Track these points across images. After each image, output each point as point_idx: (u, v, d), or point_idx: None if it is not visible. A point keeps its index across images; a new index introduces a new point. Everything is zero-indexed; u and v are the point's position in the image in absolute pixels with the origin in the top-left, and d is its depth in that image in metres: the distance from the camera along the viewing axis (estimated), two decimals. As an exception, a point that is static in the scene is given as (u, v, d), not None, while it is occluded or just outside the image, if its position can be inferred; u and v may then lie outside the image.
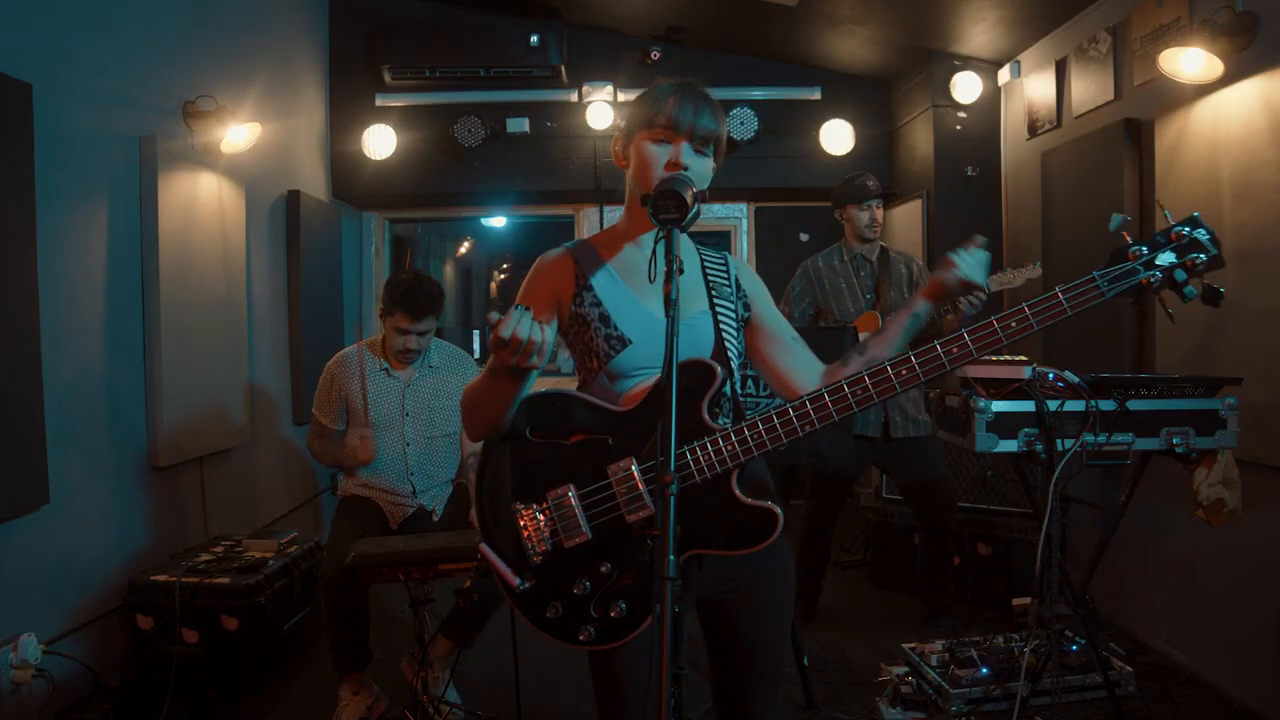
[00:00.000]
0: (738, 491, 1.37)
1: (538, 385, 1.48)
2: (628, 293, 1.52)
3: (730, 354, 1.51)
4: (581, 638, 1.41)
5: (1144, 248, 1.32)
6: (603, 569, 1.41)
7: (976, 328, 1.32)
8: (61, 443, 2.63)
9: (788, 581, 1.57)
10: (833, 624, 3.56)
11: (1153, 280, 1.32)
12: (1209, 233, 1.32)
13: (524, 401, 1.45)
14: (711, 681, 1.60)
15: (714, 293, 1.55)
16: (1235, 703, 2.78)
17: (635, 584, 1.39)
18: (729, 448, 1.35)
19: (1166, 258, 1.32)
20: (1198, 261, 1.32)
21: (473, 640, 2.81)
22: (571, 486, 1.42)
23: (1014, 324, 1.30)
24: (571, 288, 1.53)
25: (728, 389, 1.49)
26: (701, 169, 1.47)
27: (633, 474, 1.39)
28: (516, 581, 1.44)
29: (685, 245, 1.60)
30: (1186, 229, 1.32)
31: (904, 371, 1.33)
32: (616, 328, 1.48)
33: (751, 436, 1.35)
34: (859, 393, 1.33)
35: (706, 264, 1.59)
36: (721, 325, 1.52)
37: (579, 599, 1.41)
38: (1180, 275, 1.32)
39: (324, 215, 4.71)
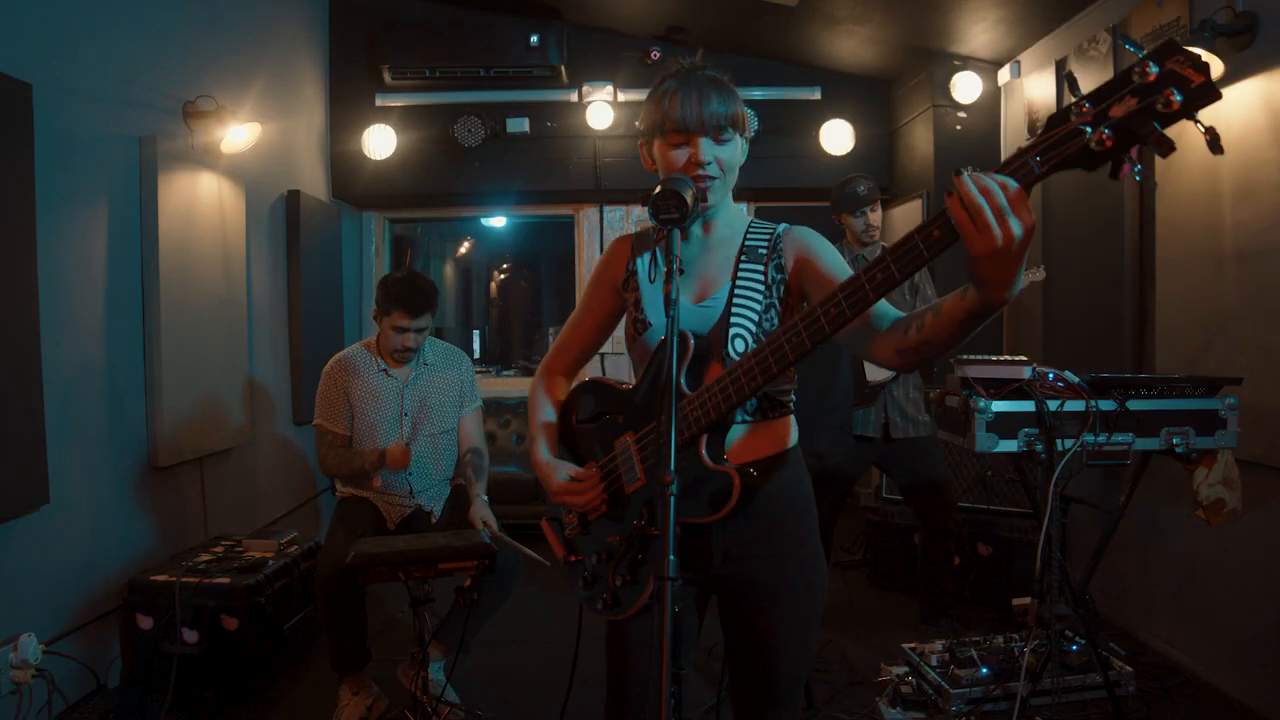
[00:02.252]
0: (705, 455, 1.37)
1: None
2: (660, 279, 1.55)
3: (743, 330, 1.44)
4: (599, 607, 1.50)
5: (1088, 102, 0.96)
6: (612, 540, 1.49)
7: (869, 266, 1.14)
8: (61, 443, 2.63)
9: (817, 587, 1.53)
10: (833, 624, 3.55)
11: (1101, 141, 0.95)
12: (1190, 58, 0.90)
13: (569, 395, 1.65)
14: (730, 679, 1.60)
15: (742, 268, 1.48)
16: (1235, 703, 2.78)
17: (638, 556, 1.45)
18: (693, 413, 1.35)
19: (1125, 105, 0.93)
20: (1170, 102, 0.90)
21: (467, 645, 2.80)
22: (594, 465, 1.54)
23: (933, 235, 1.11)
24: (623, 272, 1.61)
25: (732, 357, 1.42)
26: (729, 155, 1.45)
27: (630, 447, 1.46)
28: (562, 554, 1.58)
29: (736, 223, 1.53)
30: (1153, 64, 0.91)
31: (832, 311, 1.18)
32: (643, 310, 1.54)
33: (709, 398, 1.33)
34: (793, 339, 1.22)
35: (749, 237, 1.51)
36: (736, 299, 1.45)
37: (598, 570, 1.51)
38: (1146, 123, 0.93)
39: (324, 215, 4.71)
